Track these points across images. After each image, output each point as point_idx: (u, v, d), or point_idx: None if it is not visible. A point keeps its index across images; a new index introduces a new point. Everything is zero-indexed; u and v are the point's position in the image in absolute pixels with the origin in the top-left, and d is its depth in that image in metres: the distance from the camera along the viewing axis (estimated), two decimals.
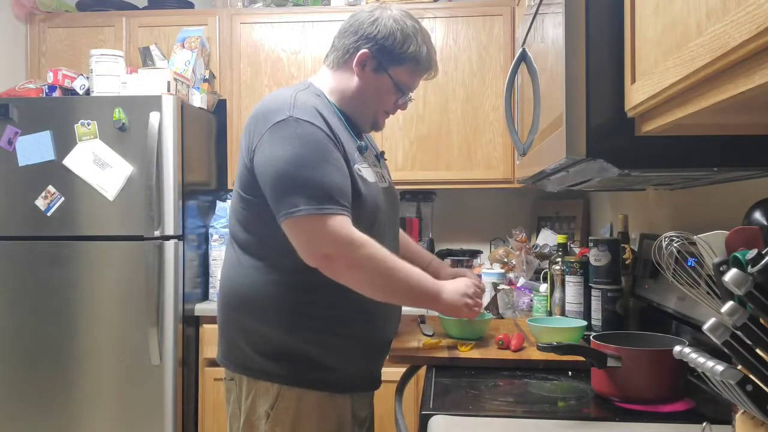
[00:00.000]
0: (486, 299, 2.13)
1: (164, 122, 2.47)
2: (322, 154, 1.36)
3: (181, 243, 2.53)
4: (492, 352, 1.55)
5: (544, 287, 2.02)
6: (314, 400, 1.41)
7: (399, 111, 1.60)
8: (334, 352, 1.43)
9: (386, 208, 1.53)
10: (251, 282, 1.44)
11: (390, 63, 1.49)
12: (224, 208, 2.76)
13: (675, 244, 0.94)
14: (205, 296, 2.77)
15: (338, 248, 1.33)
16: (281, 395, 1.41)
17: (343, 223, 1.33)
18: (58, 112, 2.52)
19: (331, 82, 1.52)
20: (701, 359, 0.81)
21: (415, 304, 1.54)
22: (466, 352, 1.55)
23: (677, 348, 0.86)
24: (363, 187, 1.43)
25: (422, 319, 1.95)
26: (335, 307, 1.43)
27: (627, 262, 1.77)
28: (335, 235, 1.32)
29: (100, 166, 2.49)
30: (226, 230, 2.70)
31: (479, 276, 1.86)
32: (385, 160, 1.69)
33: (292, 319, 1.42)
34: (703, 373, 0.81)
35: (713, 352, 0.85)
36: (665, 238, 0.94)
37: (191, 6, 3.19)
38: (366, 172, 1.47)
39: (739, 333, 0.77)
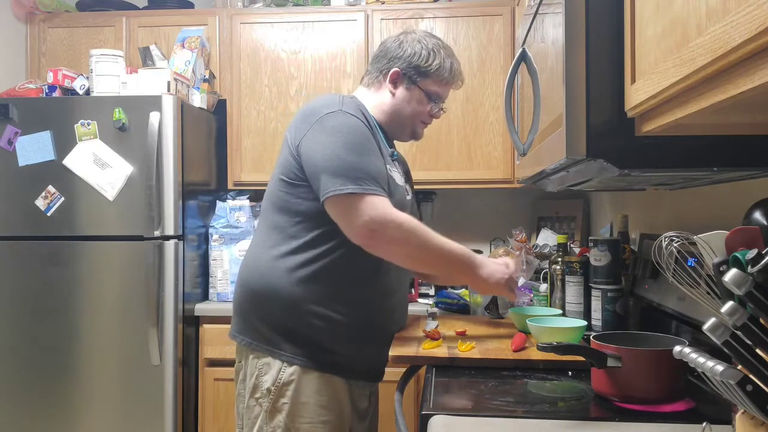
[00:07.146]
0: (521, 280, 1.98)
1: (164, 122, 2.48)
2: (367, 143, 1.53)
3: (181, 243, 2.54)
4: (492, 352, 1.55)
5: (544, 287, 2.02)
6: (313, 379, 1.53)
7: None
8: (334, 333, 1.55)
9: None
10: (267, 259, 1.58)
11: (419, 76, 1.67)
12: (224, 208, 2.76)
13: (675, 244, 0.94)
14: (205, 296, 2.77)
15: (380, 225, 1.45)
16: (282, 370, 1.53)
17: (384, 203, 1.47)
18: (58, 112, 2.52)
19: (369, 100, 1.70)
20: (701, 359, 0.81)
21: (452, 273, 1.69)
22: (466, 352, 1.55)
23: (677, 348, 0.86)
24: (393, 186, 1.57)
25: (433, 315, 1.96)
26: (341, 289, 1.56)
27: (627, 262, 1.77)
28: (377, 213, 1.45)
29: (100, 166, 2.49)
30: (226, 230, 2.75)
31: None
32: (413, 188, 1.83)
33: (300, 295, 1.54)
34: (703, 373, 0.81)
35: (713, 352, 0.85)
36: (665, 238, 0.94)
37: (191, 6, 3.19)
38: (395, 175, 1.62)
39: (739, 333, 0.77)
